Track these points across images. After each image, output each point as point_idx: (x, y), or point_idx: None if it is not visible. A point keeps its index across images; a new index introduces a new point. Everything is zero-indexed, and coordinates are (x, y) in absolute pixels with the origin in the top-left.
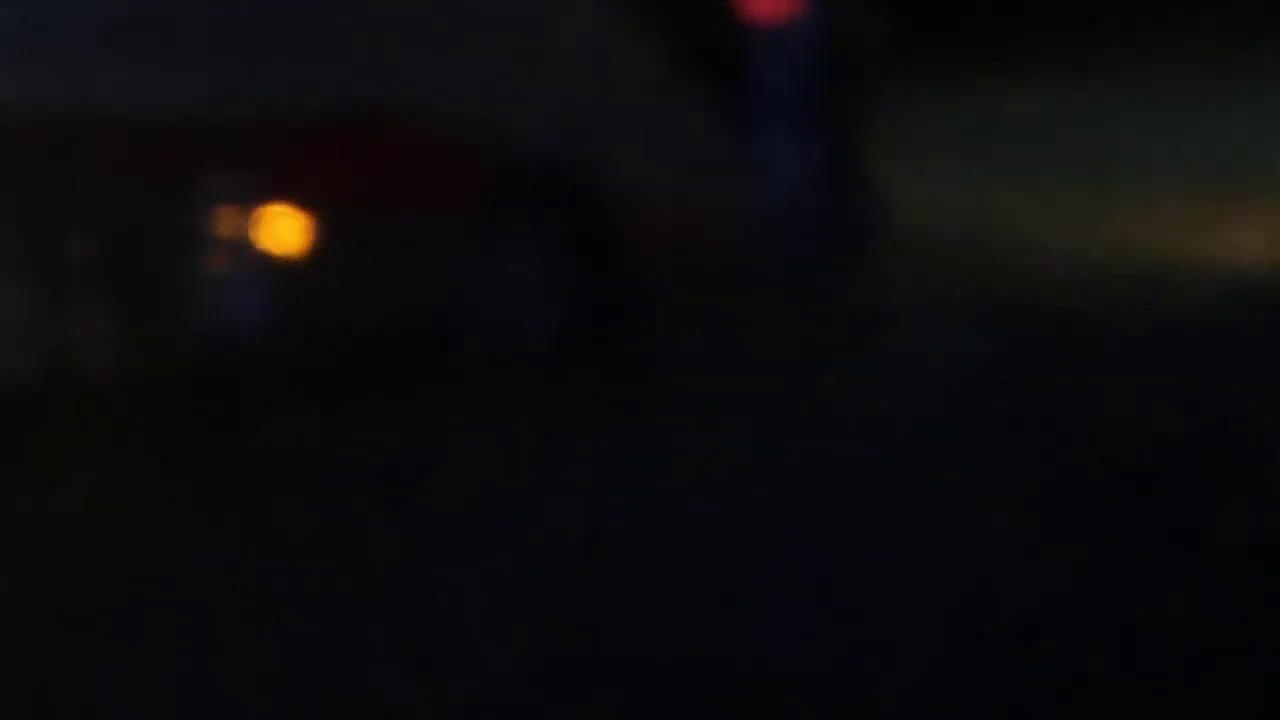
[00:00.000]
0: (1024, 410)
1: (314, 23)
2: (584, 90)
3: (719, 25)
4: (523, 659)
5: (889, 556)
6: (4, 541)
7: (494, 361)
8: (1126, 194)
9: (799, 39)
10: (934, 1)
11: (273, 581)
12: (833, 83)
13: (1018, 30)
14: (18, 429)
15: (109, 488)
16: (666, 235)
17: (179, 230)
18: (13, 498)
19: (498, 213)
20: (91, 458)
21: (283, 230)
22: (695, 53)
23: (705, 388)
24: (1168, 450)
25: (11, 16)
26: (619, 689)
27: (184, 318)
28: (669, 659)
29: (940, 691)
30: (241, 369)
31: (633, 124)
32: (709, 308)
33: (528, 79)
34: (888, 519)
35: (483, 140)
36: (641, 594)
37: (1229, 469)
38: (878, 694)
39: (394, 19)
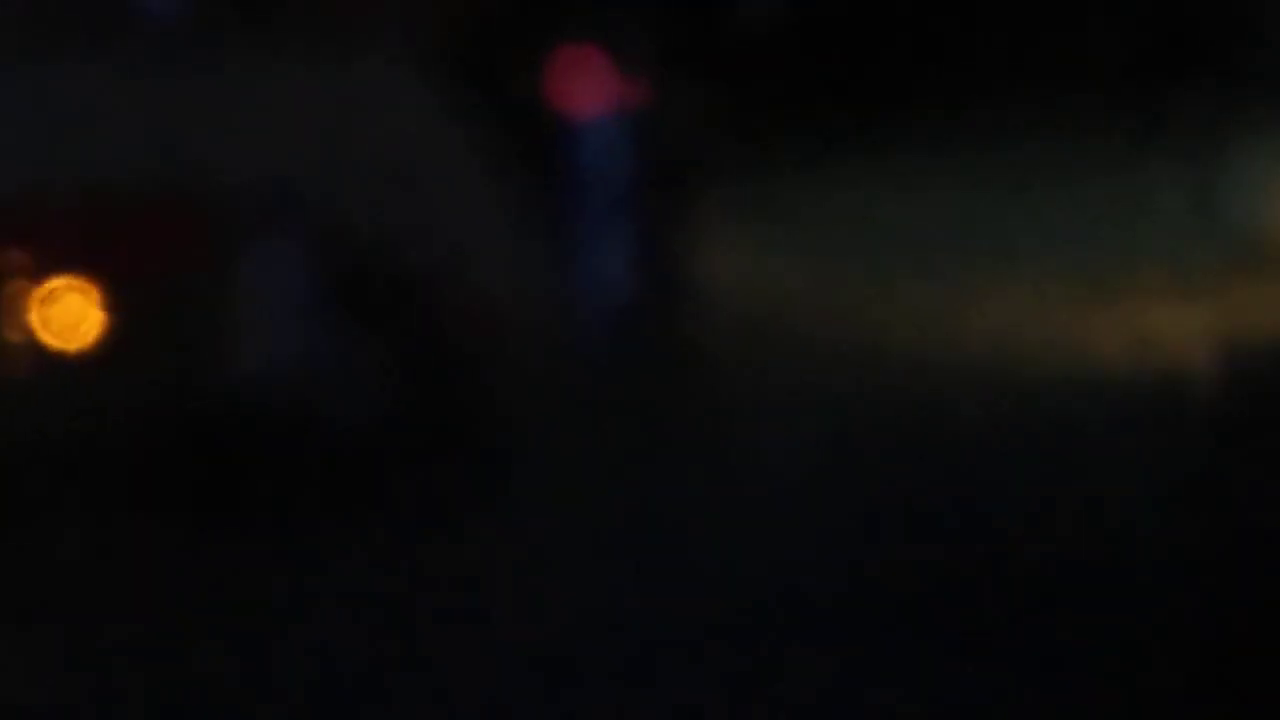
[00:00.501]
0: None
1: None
2: (399, 180)
3: (534, 118)
4: None
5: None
6: None
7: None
8: (960, 282)
9: (619, 130)
10: (767, 92)
11: None
12: (655, 175)
13: (864, 119)
14: None
15: None
16: (483, 326)
17: None
18: None
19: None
20: None
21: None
22: (513, 145)
23: (526, 479)
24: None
25: None
26: None
27: None
28: None
29: None
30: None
31: (448, 216)
32: (529, 397)
33: (346, 168)
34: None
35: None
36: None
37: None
38: None
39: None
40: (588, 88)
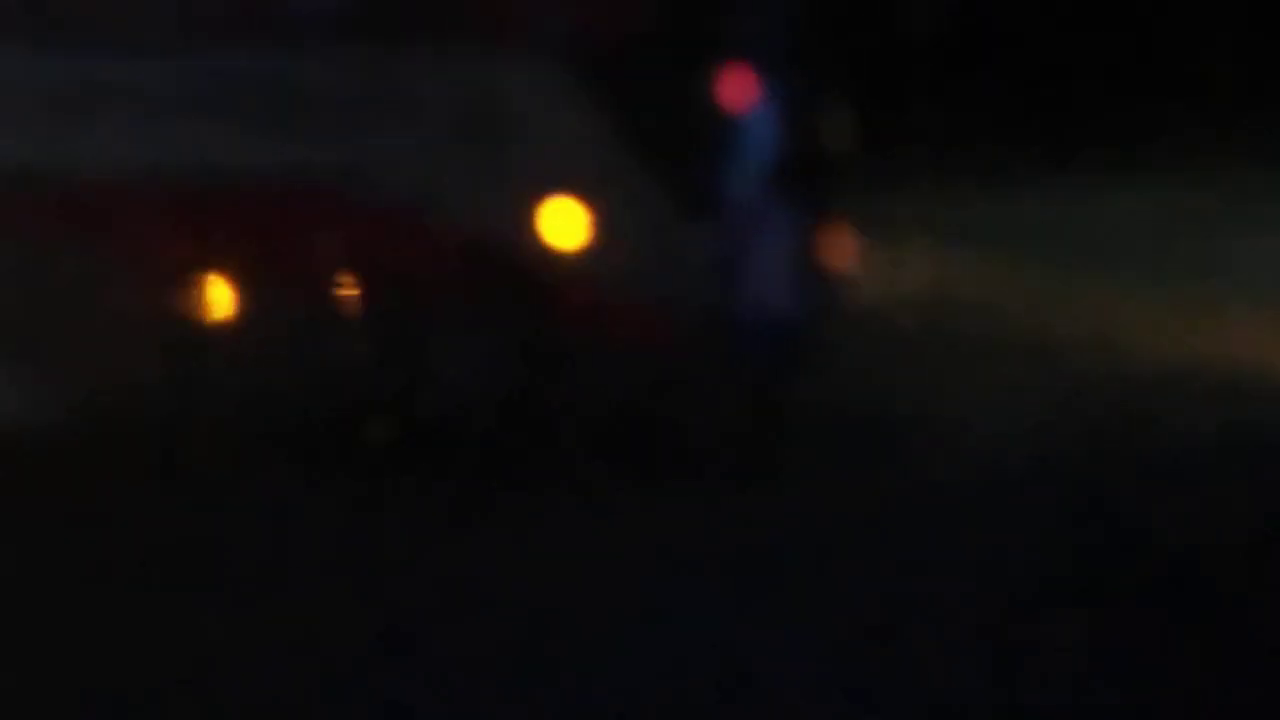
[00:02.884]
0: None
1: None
2: (531, 182)
3: (696, 112)
4: None
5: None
6: None
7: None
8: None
9: (764, 126)
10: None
11: None
12: (797, 168)
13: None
14: None
15: None
16: (630, 327)
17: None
18: None
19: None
20: None
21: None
22: (668, 141)
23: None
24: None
25: None
26: None
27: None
28: None
29: None
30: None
31: (595, 214)
32: (672, 399)
33: (498, 167)
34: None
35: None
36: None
37: None
38: None
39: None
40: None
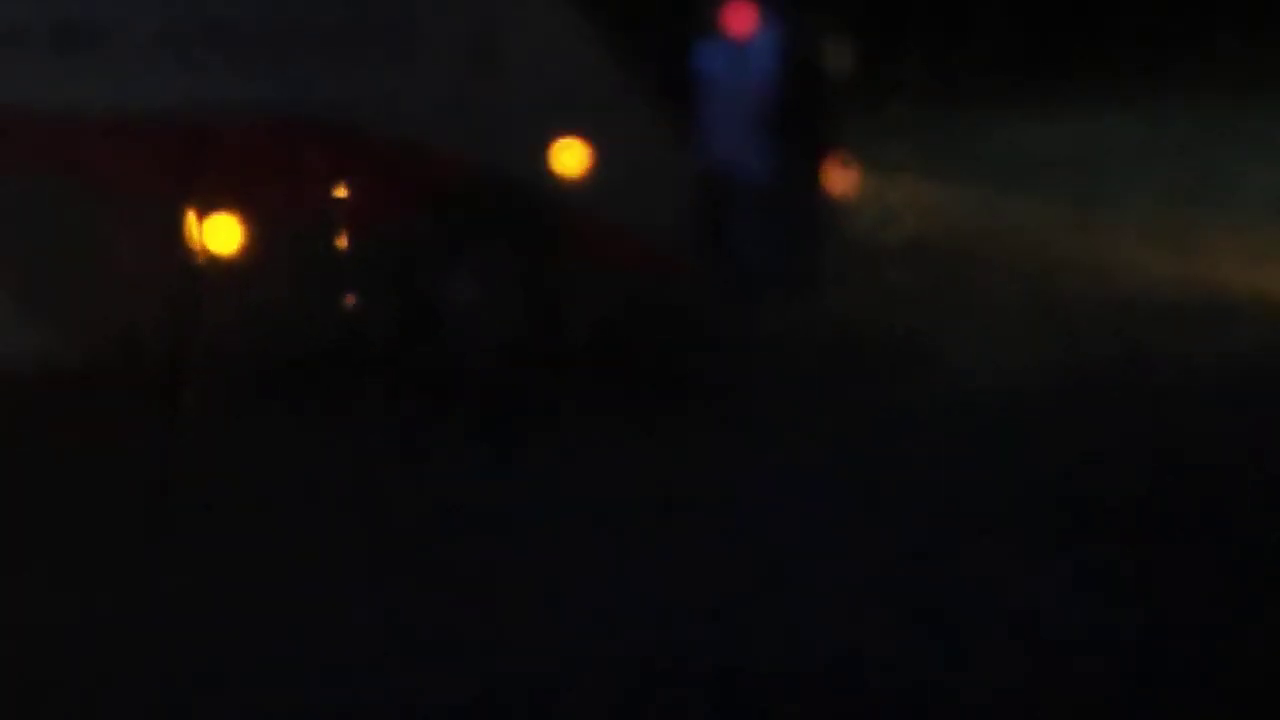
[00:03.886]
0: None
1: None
2: (533, 114)
3: (691, 34)
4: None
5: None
6: None
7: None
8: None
9: (763, 51)
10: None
11: None
12: (797, 96)
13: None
14: None
15: None
16: (623, 251)
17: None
18: None
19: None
20: None
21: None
22: (662, 64)
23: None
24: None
25: None
26: None
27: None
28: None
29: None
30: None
31: (589, 140)
32: (663, 322)
33: (503, 101)
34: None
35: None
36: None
37: None
38: None
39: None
40: (748, 23)
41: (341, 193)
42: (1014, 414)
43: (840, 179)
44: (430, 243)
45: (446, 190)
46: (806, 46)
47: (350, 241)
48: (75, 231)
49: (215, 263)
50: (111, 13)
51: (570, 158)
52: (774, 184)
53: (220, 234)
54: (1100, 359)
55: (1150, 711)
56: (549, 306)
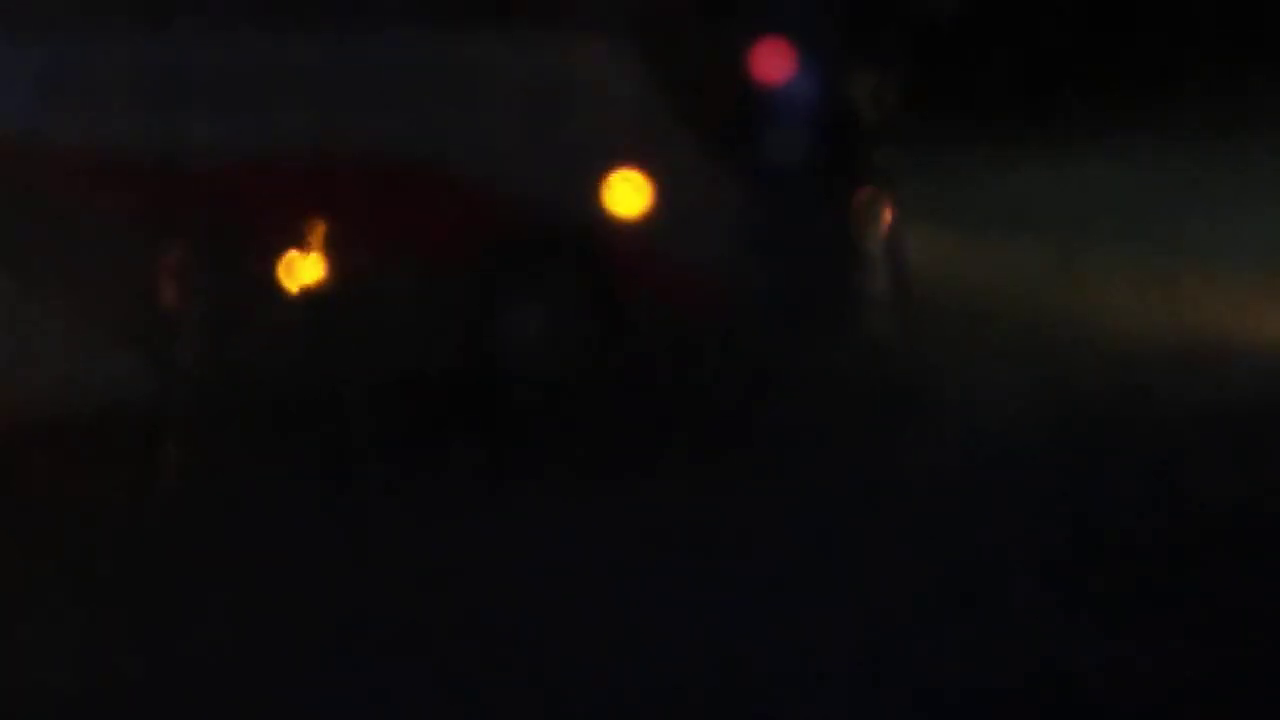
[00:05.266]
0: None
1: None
2: (594, 153)
3: (734, 85)
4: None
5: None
6: None
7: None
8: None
9: (798, 99)
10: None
11: None
12: (833, 143)
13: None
14: None
15: None
16: (667, 293)
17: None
18: None
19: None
20: None
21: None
22: (707, 113)
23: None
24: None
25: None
26: None
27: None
28: None
29: None
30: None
31: (639, 185)
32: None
33: (565, 141)
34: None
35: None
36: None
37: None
38: None
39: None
40: (779, 66)
41: (418, 229)
42: (1008, 461)
43: (876, 221)
44: (495, 278)
45: (511, 228)
46: (841, 90)
47: (424, 276)
48: (168, 266)
49: (303, 295)
50: (207, 60)
51: (628, 197)
52: (812, 221)
53: (308, 268)
54: (1092, 403)
55: None
56: (608, 340)
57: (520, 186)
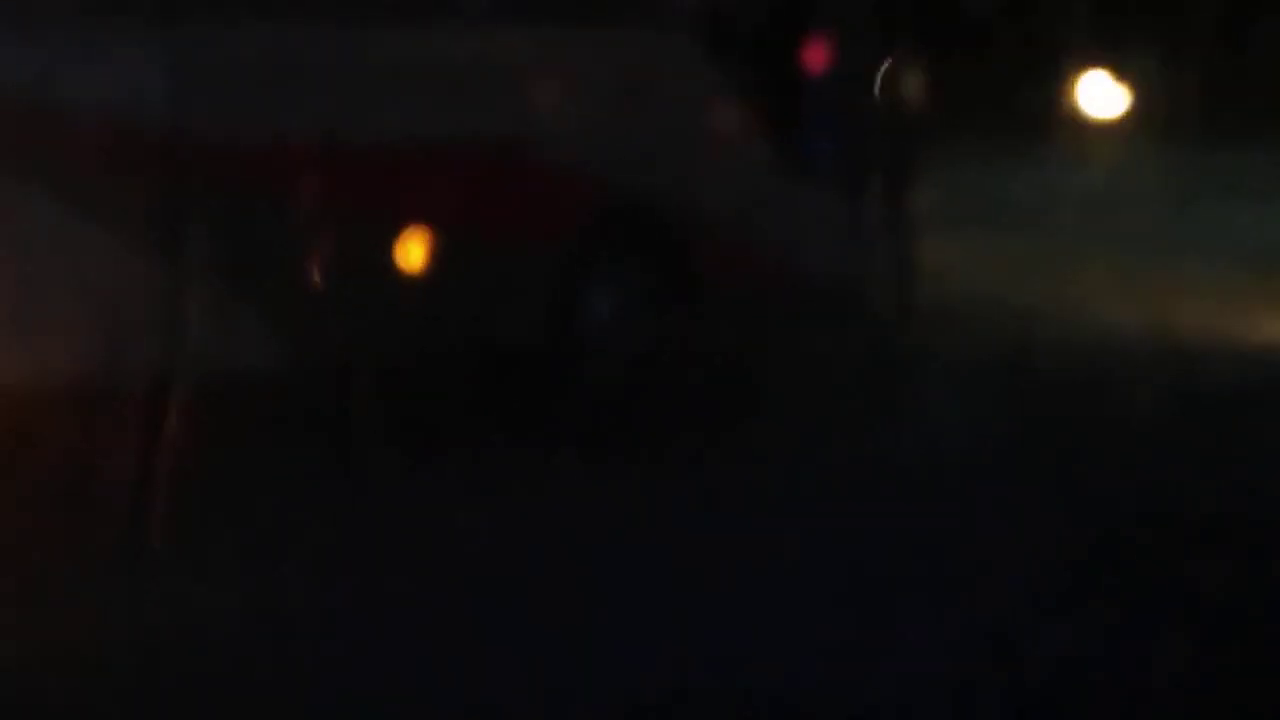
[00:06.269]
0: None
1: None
2: (673, 137)
3: (789, 77)
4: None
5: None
6: None
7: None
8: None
9: (838, 87)
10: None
11: None
12: (870, 135)
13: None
14: None
15: None
16: (738, 270)
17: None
18: None
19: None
20: None
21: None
22: (767, 100)
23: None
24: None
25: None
26: None
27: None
28: None
29: None
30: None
31: (712, 167)
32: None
33: (647, 133)
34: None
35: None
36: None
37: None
38: None
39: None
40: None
41: (512, 213)
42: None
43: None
44: (578, 258)
45: (594, 210)
46: (877, 85)
47: (513, 256)
48: (288, 247)
49: (405, 273)
50: (312, 54)
51: (699, 185)
52: (852, 209)
53: (410, 250)
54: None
55: None
56: (681, 323)
57: (603, 170)
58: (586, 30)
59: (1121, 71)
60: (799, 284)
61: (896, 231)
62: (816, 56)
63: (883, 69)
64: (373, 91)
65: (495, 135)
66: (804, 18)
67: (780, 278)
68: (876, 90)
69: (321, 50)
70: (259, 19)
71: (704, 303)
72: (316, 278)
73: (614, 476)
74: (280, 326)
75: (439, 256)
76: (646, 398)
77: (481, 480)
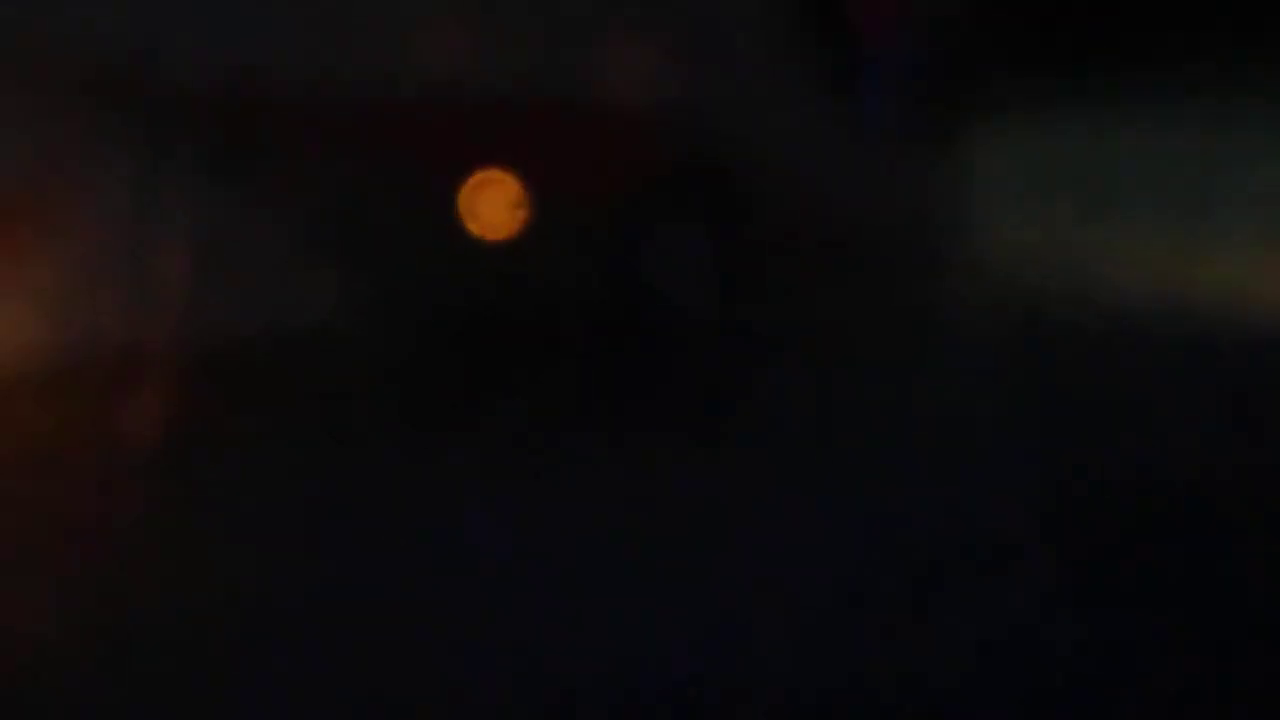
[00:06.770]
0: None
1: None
2: (743, 90)
3: (850, 29)
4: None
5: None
6: None
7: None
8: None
9: (902, 54)
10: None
11: None
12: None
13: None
14: None
15: None
16: (801, 225)
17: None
18: None
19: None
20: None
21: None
22: (829, 54)
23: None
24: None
25: None
26: None
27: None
28: None
29: None
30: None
31: (776, 121)
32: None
33: (717, 87)
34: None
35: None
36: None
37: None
38: None
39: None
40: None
41: (586, 166)
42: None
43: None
44: (642, 210)
45: (659, 169)
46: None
47: (582, 207)
48: (381, 203)
49: (483, 230)
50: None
51: (764, 139)
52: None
53: (489, 204)
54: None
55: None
56: (741, 276)
57: (669, 126)
58: None
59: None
60: (861, 239)
61: (953, 188)
62: (878, 10)
63: (944, 21)
64: (449, 47)
65: (565, 91)
66: None
67: (843, 232)
68: (937, 44)
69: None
70: None
71: (767, 258)
72: (387, 232)
73: (671, 433)
74: (353, 281)
75: (513, 211)
76: (709, 354)
77: (539, 438)
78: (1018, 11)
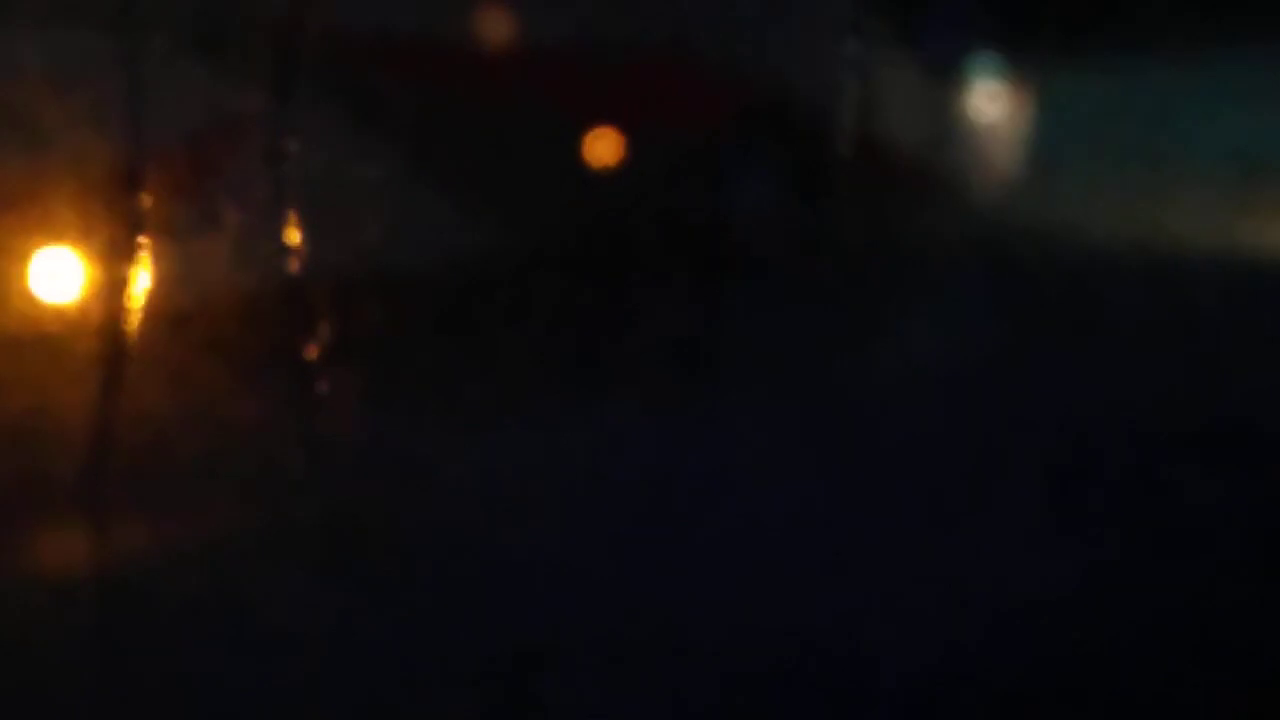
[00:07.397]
0: None
1: None
2: (819, 44)
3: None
4: None
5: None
6: None
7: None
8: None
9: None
10: None
11: None
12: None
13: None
14: None
15: None
16: (878, 171)
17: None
18: None
19: (742, 140)
20: None
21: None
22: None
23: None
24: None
25: None
26: None
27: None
28: None
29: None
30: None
31: (845, 65)
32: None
33: (794, 42)
34: None
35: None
36: None
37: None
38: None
39: None
40: None
41: (680, 110)
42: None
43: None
44: (728, 151)
45: (747, 110)
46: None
47: (673, 149)
48: (501, 146)
49: (593, 171)
50: None
51: (834, 83)
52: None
53: (597, 147)
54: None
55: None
56: (826, 210)
57: (754, 72)
58: None
59: None
60: (928, 181)
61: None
62: None
63: None
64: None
65: (656, 43)
66: None
67: (911, 174)
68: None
69: None
70: None
71: (839, 196)
72: (518, 172)
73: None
74: (475, 216)
75: (612, 150)
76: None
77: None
78: None
